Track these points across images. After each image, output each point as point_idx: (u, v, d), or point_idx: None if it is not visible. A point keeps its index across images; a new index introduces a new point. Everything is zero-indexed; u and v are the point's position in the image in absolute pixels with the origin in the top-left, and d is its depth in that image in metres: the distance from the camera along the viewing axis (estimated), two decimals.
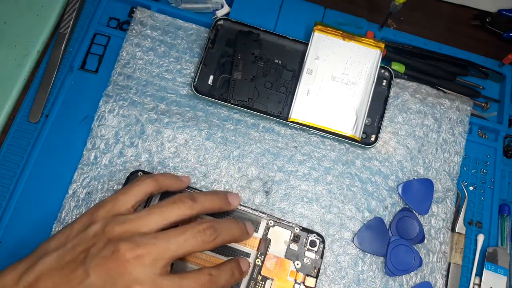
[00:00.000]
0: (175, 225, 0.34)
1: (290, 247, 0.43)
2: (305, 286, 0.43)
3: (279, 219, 0.44)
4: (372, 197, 0.54)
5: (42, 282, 0.29)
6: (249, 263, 0.39)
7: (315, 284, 0.43)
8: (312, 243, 0.44)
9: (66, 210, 0.50)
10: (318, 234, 0.46)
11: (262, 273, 0.41)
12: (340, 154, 0.55)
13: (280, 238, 0.44)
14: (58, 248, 0.31)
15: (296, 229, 0.44)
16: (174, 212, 0.34)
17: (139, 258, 0.29)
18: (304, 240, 0.44)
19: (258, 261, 0.41)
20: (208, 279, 0.32)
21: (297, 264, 0.43)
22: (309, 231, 0.45)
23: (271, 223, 0.43)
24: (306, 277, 0.43)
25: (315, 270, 0.44)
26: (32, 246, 0.49)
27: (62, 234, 0.33)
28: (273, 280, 0.42)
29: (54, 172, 0.52)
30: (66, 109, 0.55)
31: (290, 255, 0.44)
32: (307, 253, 0.44)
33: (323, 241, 0.45)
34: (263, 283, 0.41)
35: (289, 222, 0.45)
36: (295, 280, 0.43)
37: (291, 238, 0.44)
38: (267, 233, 0.43)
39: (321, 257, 0.44)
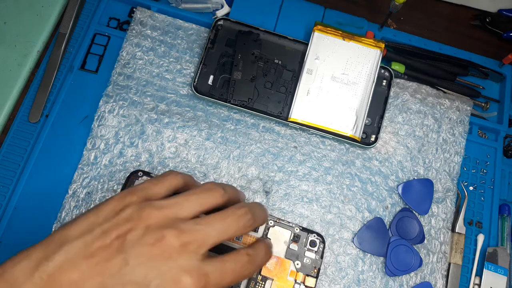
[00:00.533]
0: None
1: (290, 247, 0.43)
2: (305, 286, 0.42)
3: (279, 219, 0.44)
4: (372, 197, 0.54)
5: (66, 273, 0.25)
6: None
7: (315, 284, 0.43)
8: (312, 243, 0.44)
9: (66, 210, 0.50)
10: (318, 234, 0.45)
11: (262, 273, 0.41)
12: (340, 154, 0.55)
13: (280, 238, 0.44)
14: (83, 234, 0.27)
15: (296, 229, 0.44)
16: (209, 200, 0.33)
17: (185, 245, 0.28)
18: (304, 240, 0.44)
19: None
20: (247, 259, 0.32)
21: (297, 264, 0.43)
22: (309, 231, 0.45)
23: (271, 223, 0.43)
24: (306, 277, 0.43)
25: (315, 270, 0.43)
26: (32, 245, 0.49)
27: (84, 219, 0.29)
28: (273, 280, 0.42)
29: (54, 172, 0.52)
30: (66, 109, 0.55)
31: (290, 255, 0.44)
32: (307, 253, 0.44)
33: (323, 241, 0.45)
34: (263, 283, 0.41)
35: (289, 222, 0.44)
36: (295, 280, 0.43)
37: (291, 238, 0.43)
38: (267, 233, 0.43)
39: (321, 257, 0.44)
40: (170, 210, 0.30)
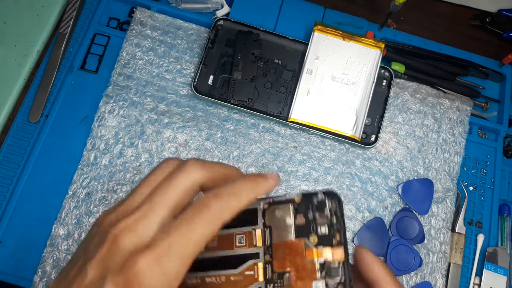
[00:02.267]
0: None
1: (296, 223, 0.32)
2: (333, 260, 0.30)
3: (271, 198, 0.33)
4: (372, 197, 0.54)
5: None
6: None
7: (345, 252, 0.30)
8: (320, 205, 0.31)
9: (66, 210, 0.50)
10: (325, 192, 0.32)
11: (275, 269, 0.31)
12: (340, 154, 0.55)
13: (281, 219, 0.33)
14: (65, 268, 0.25)
15: (296, 199, 0.33)
16: (178, 183, 0.25)
17: (129, 228, 0.23)
18: (310, 206, 0.32)
19: (267, 258, 0.31)
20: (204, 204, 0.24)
21: (313, 240, 0.32)
22: (312, 194, 0.33)
23: (264, 206, 0.32)
24: (330, 248, 0.31)
25: (338, 236, 0.31)
26: (32, 246, 0.49)
27: (67, 265, 0.26)
28: (290, 272, 0.31)
29: (54, 172, 0.52)
30: (66, 109, 0.55)
31: (300, 233, 0.32)
32: (319, 220, 0.32)
33: (334, 197, 0.32)
34: (281, 281, 0.31)
35: (284, 195, 0.33)
36: (317, 260, 0.31)
37: (293, 213, 0.32)
38: (264, 221, 0.32)
39: (341, 215, 0.31)
40: (136, 227, 0.24)
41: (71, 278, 0.24)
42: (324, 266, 0.30)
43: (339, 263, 0.28)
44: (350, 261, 0.29)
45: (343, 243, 0.29)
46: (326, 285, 0.28)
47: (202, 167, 0.25)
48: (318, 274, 0.29)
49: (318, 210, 0.31)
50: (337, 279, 0.28)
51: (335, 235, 0.30)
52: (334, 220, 0.31)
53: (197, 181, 0.25)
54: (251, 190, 0.26)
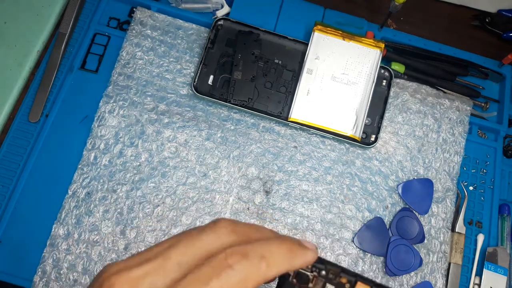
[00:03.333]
0: None
1: None
2: None
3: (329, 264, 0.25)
4: (372, 197, 0.54)
5: None
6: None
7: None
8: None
9: (66, 210, 0.50)
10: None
11: None
12: (340, 154, 0.55)
13: None
14: None
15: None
16: (203, 244, 0.20)
17: (131, 282, 0.20)
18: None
19: None
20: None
21: None
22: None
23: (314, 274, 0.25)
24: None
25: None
26: (32, 246, 0.49)
27: None
28: None
29: (54, 172, 0.52)
30: (66, 109, 0.55)
31: None
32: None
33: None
34: None
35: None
36: None
37: None
38: None
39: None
40: (128, 262, 0.21)
41: None
42: None
43: None
44: None
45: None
46: None
47: (233, 232, 0.21)
48: None
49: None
50: None
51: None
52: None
53: (224, 246, 0.20)
54: (286, 259, 0.21)
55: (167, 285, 0.20)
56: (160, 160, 0.53)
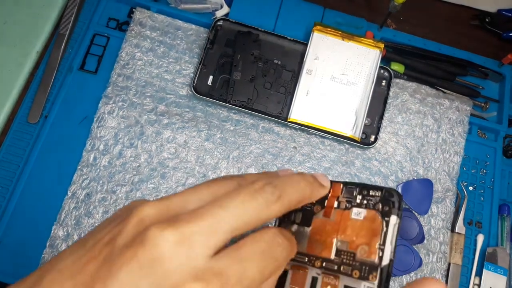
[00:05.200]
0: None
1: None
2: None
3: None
4: None
5: None
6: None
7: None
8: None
9: (65, 211, 0.50)
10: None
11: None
12: (340, 154, 0.55)
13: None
14: (75, 251, 0.22)
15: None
16: (250, 210, 0.21)
17: (182, 241, 0.20)
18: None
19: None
20: (277, 239, 0.22)
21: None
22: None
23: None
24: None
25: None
26: (32, 246, 0.49)
27: (86, 235, 0.23)
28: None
29: (53, 173, 0.52)
30: (66, 110, 0.55)
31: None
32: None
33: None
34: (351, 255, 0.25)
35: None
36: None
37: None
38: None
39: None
40: (166, 202, 0.22)
41: (87, 276, 0.20)
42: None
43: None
44: None
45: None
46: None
47: (281, 200, 0.23)
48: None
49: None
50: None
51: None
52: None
53: (273, 217, 0.23)
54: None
55: (219, 247, 0.20)
56: (160, 161, 0.53)
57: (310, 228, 0.27)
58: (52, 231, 0.50)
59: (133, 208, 0.22)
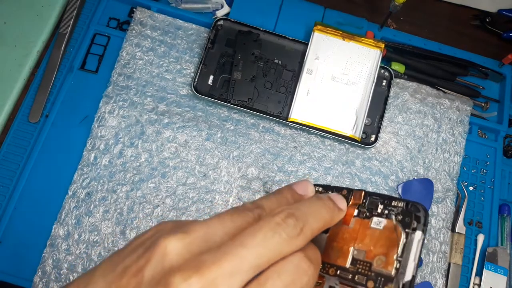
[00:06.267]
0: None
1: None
2: None
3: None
4: None
5: None
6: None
7: None
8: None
9: (66, 210, 0.50)
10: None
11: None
12: (340, 154, 0.55)
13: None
14: (106, 274, 0.22)
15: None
16: (273, 247, 0.21)
17: (211, 283, 0.20)
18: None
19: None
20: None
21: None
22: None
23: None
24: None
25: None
26: (32, 246, 0.49)
27: (111, 257, 0.24)
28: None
29: (54, 173, 0.52)
30: (66, 109, 0.55)
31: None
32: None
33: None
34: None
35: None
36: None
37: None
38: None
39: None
40: (190, 238, 0.22)
41: None
42: None
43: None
44: None
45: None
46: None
47: (303, 234, 0.22)
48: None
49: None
50: None
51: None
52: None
53: (295, 251, 0.22)
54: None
55: (243, 285, 0.20)
56: (160, 161, 0.53)
57: (327, 234, 0.26)
58: (53, 230, 0.50)
59: (158, 238, 0.22)
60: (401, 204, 0.23)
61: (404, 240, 0.22)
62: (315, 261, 0.22)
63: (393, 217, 0.23)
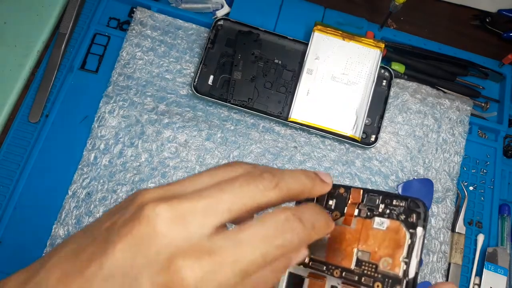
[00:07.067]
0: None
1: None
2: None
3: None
4: None
5: (50, 273, 0.21)
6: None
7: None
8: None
9: (66, 210, 0.50)
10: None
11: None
12: (340, 154, 0.55)
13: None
14: (77, 237, 0.22)
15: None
16: (247, 194, 0.21)
17: (177, 218, 0.20)
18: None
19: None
20: (286, 221, 0.21)
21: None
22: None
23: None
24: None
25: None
26: (32, 246, 0.49)
27: (88, 224, 0.23)
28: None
29: (54, 173, 0.52)
30: (66, 109, 0.55)
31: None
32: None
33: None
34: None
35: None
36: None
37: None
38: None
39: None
40: (167, 187, 0.22)
41: (84, 259, 0.20)
42: None
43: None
44: None
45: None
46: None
47: (279, 188, 0.22)
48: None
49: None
50: None
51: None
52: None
53: (271, 203, 0.22)
54: (325, 228, 0.23)
55: (216, 228, 0.20)
56: (160, 161, 0.53)
57: (328, 235, 0.26)
58: (53, 230, 0.50)
59: (136, 195, 0.22)
60: (402, 203, 0.23)
61: (409, 241, 0.22)
62: (307, 223, 0.22)
63: (396, 217, 0.23)
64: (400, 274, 0.22)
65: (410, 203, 0.23)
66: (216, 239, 0.20)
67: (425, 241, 0.53)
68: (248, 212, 0.22)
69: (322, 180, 0.25)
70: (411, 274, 0.21)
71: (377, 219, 0.24)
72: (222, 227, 0.21)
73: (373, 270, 0.23)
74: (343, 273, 0.24)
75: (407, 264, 0.22)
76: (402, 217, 0.23)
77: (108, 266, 0.19)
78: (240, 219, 0.22)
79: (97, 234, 0.21)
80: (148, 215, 0.20)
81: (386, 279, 0.22)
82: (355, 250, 0.24)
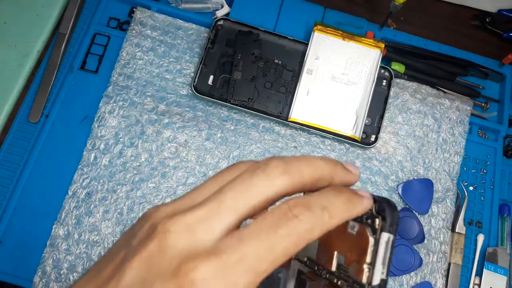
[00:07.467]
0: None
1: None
2: None
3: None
4: None
5: None
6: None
7: None
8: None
9: (66, 210, 0.50)
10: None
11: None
12: (340, 154, 0.55)
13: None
14: (98, 262, 0.22)
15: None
16: (251, 188, 0.20)
17: (186, 229, 0.20)
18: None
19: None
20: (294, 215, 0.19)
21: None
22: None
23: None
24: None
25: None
26: (32, 246, 0.49)
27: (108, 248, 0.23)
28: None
29: (54, 173, 0.52)
30: (66, 109, 0.55)
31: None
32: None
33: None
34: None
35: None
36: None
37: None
38: None
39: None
40: (177, 202, 0.22)
41: (104, 278, 0.20)
42: None
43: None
44: None
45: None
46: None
47: (287, 173, 0.21)
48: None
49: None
50: None
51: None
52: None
53: (281, 192, 0.21)
54: (345, 211, 0.21)
55: (225, 231, 0.20)
56: (160, 161, 0.53)
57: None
58: (53, 230, 0.50)
59: (149, 216, 0.22)
60: (373, 206, 0.22)
61: (373, 247, 0.21)
62: (316, 209, 0.20)
63: (365, 220, 0.22)
64: (364, 280, 0.21)
65: (378, 206, 0.21)
66: (223, 240, 0.20)
67: (425, 241, 0.53)
68: (257, 206, 0.21)
69: (344, 167, 0.23)
70: (375, 281, 0.20)
71: (350, 223, 0.23)
72: (235, 228, 0.20)
73: (346, 274, 0.22)
74: (327, 275, 0.23)
75: (370, 271, 0.21)
76: (369, 221, 0.21)
77: (125, 281, 0.20)
78: (257, 214, 0.21)
79: (115, 257, 0.21)
80: (159, 232, 0.20)
81: (355, 285, 0.21)
82: (335, 253, 0.23)
